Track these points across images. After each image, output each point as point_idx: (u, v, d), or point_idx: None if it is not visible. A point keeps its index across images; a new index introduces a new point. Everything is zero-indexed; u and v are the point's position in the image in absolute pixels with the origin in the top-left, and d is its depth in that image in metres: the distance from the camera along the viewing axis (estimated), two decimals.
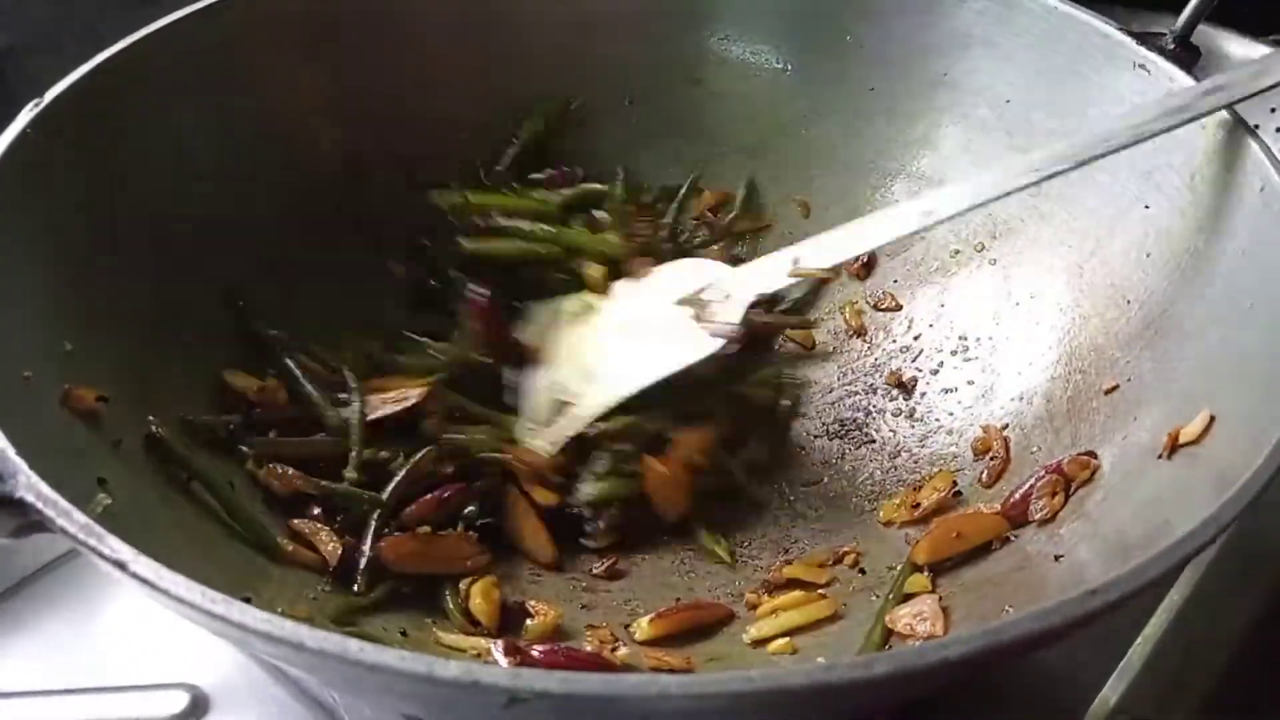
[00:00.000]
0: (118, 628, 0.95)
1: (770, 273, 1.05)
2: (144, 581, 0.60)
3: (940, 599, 0.85)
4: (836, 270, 1.10)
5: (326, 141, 1.08)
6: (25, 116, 0.85)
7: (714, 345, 1.02)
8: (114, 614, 0.96)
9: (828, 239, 1.03)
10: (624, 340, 1.07)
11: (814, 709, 0.61)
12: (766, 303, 1.13)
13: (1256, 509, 0.66)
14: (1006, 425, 1.00)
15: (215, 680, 0.92)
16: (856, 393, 1.11)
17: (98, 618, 0.96)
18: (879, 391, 1.10)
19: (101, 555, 0.61)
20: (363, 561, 0.88)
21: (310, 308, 1.04)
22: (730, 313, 1.04)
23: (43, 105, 0.86)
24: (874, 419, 1.08)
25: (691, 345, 1.03)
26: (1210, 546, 0.65)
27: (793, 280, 1.04)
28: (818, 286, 1.17)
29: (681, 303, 1.06)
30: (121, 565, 0.60)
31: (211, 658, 0.92)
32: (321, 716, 0.90)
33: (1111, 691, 0.93)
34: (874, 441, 1.07)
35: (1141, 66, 0.97)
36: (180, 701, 0.90)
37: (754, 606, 0.92)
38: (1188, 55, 1.22)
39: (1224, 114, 0.90)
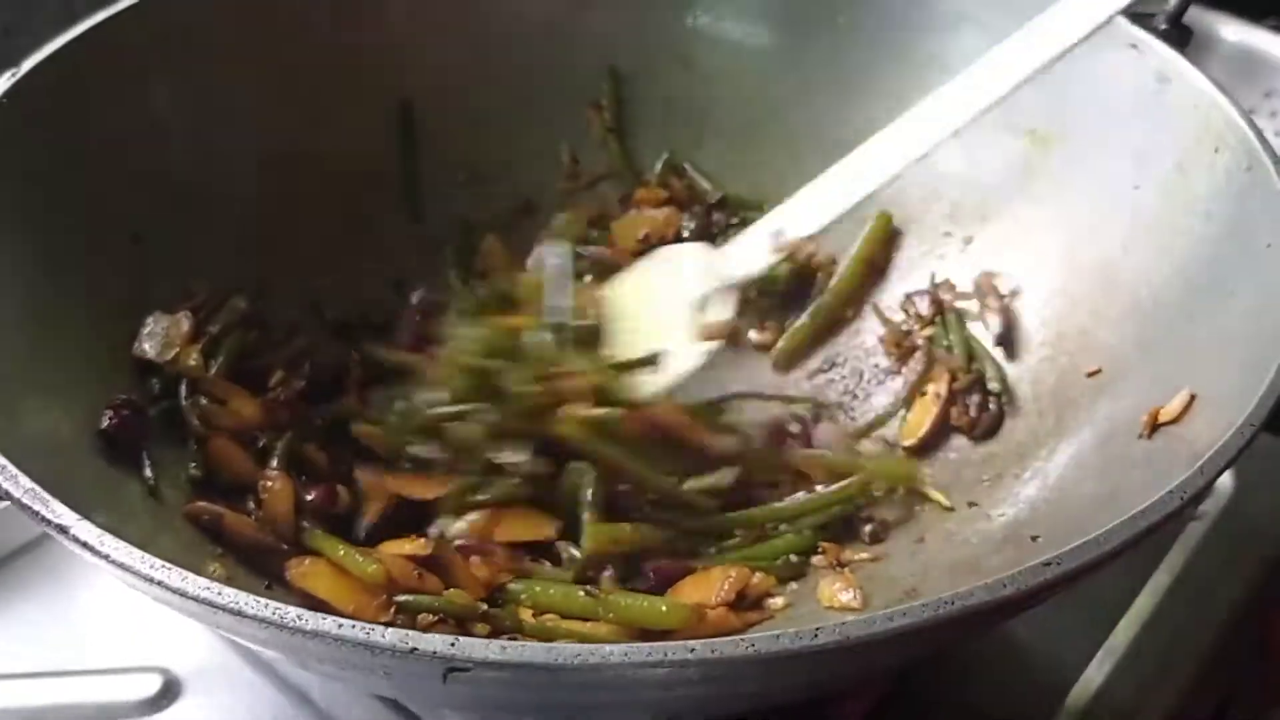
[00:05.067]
0: (89, 611, 0.94)
1: (755, 251, 1.01)
2: (85, 546, 0.59)
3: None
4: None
5: (305, 120, 1.07)
6: (1, 85, 0.85)
7: (709, 348, 0.98)
8: (86, 597, 0.95)
9: (806, 197, 1.00)
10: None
11: (760, 680, 0.60)
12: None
13: (1244, 492, 0.65)
14: None
15: (188, 664, 0.91)
16: (845, 376, 1.09)
17: (69, 601, 0.95)
18: (865, 375, 1.08)
19: (44, 520, 0.61)
20: None
21: (290, 290, 1.04)
22: (722, 310, 1.00)
23: (19, 75, 0.86)
24: (859, 401, 1.07)
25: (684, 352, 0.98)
26: (1179, 523, 0.64)
27: (778, 257, 1.00)
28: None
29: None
30: (63, 530, 0.60)
31: (184, 641, 0.91)
32: (294, 699, 0.89)
33: (1095, 672, 0.93)
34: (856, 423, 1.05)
35: (1133, 46, 0.96)
36: (152, 685, 0.90)
37: None
38: (1180, 35, 1.22)
39: (1212, 96, 0.89)
